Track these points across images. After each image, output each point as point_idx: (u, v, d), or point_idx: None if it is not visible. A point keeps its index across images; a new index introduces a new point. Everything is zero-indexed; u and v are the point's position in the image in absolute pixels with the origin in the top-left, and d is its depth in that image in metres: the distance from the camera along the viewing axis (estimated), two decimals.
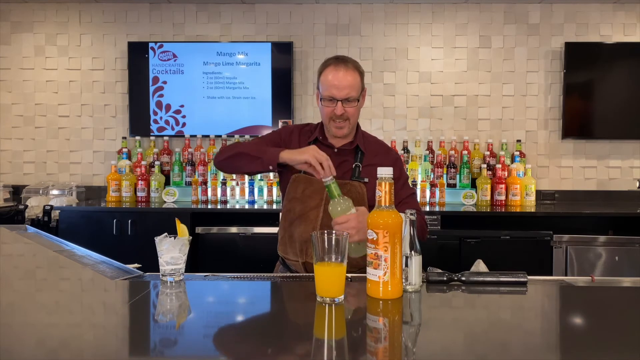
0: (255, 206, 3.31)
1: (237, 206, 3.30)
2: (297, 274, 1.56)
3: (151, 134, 3.71)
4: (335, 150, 1.68)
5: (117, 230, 3.07)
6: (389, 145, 1.84)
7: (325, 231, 1.10)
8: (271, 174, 3.40)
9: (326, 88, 1.61)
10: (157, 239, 1.22)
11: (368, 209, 1.59)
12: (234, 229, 3.09)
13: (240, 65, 3.69)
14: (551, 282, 1.37)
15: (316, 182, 1.60)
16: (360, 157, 1.68)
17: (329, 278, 1.07)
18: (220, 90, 3.70)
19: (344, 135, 1.67)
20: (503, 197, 3.40)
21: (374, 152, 1.71)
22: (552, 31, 3.69)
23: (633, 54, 3.59)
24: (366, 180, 1.63)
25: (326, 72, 1.63)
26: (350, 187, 1.62)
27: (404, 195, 1.70)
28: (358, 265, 1.54)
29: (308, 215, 1.62)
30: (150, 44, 3.68)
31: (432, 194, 3.44)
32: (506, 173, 3.45)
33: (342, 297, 1.08)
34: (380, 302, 1.09)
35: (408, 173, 3.47)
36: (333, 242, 1.08)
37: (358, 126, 1.73)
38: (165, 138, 3.69)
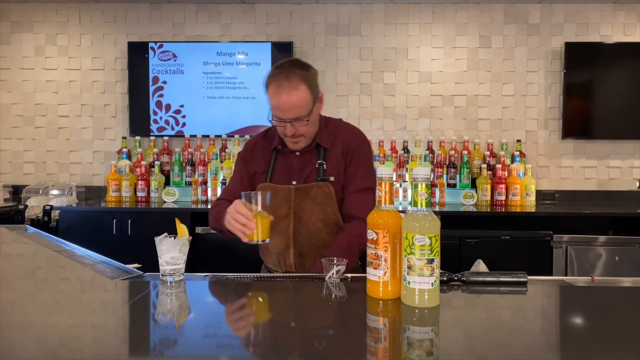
0: None
1: None
2: (297, 274, 1.55)
3: (151, 134, 3.71)
4: (298, 154, 1.62)
5: (117, 230, 3.06)
6: (360, 132, 1.69)
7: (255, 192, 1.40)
8: None
9: (272, 107, 1.50)
10: (157, 239, 1.22)
11: (338, 207, 1.58)
12: None
13: (240, 65, 3.69)
14: (551, 282, 1.37)
15: (282, 190, 1.57)
16: (323, 154, 1.59)
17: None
18: (220, 90, 3.70)
19: (303, 147, 1.59)
20: (503, 197, 3.40)
21: (335, 142, 1.61)
22: (552, 31, 3.68)
23: (633, 54, 3.59)
24: (332, 179, 1.57)
25: (270, 89, 1.50)
26: (317, 190, 1.57)
27: (354, 188, 1.56)
28: (353, 266, 1.54)
29: (279, 227, 1.58)
30: (150, 44, 3.68)
31: (432, 194, 3.44)
32: (506, 173, 3.45)
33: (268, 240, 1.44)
34: (380, 302, 1.09)
35: (408, 173, 3.47)
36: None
37: (320, 118, 1.63)
38: (165, 138, 3.69)
